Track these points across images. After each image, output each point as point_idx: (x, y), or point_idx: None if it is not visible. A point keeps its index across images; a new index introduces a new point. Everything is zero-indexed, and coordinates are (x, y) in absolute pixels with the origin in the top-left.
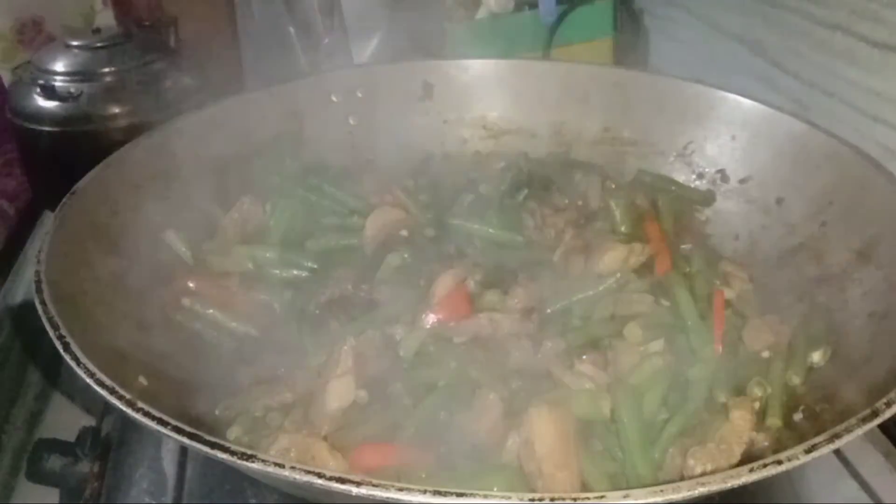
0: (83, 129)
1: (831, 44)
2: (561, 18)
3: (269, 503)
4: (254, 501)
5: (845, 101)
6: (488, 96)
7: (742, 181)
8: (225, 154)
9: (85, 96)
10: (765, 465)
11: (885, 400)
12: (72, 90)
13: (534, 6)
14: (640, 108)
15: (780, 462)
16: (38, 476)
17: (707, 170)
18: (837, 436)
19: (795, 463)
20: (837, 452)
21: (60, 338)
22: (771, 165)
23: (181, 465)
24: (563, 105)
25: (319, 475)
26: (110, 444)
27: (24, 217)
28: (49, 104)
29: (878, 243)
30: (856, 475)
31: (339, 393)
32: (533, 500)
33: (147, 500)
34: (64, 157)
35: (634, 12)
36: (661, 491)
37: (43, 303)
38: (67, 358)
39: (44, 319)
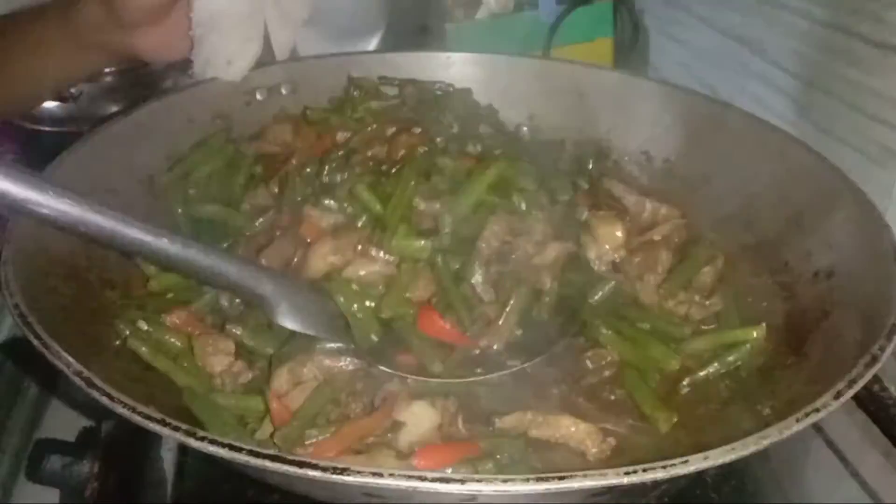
0: (83, 130)
1: (831, 44)
2: (561, 18)
3: (269, 503)
4: (254, 501)
5: (845, 101)
6: None
7: (665, 161)
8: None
9: (85, 96)
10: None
11: (878, 346)
12: (72, 90)
13: (534, 6)
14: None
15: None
16: (38, 476)
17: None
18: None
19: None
20: (837, 452)
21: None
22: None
23: (181, 465)
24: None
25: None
26: (110, 444)
27: None
28: (49, 104)
29: (805, 211)
30: (856, 475)
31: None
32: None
33: (147, 500)
34: None
35: (634, 12)
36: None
37: (27, 324)
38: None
39: (34, 341)
